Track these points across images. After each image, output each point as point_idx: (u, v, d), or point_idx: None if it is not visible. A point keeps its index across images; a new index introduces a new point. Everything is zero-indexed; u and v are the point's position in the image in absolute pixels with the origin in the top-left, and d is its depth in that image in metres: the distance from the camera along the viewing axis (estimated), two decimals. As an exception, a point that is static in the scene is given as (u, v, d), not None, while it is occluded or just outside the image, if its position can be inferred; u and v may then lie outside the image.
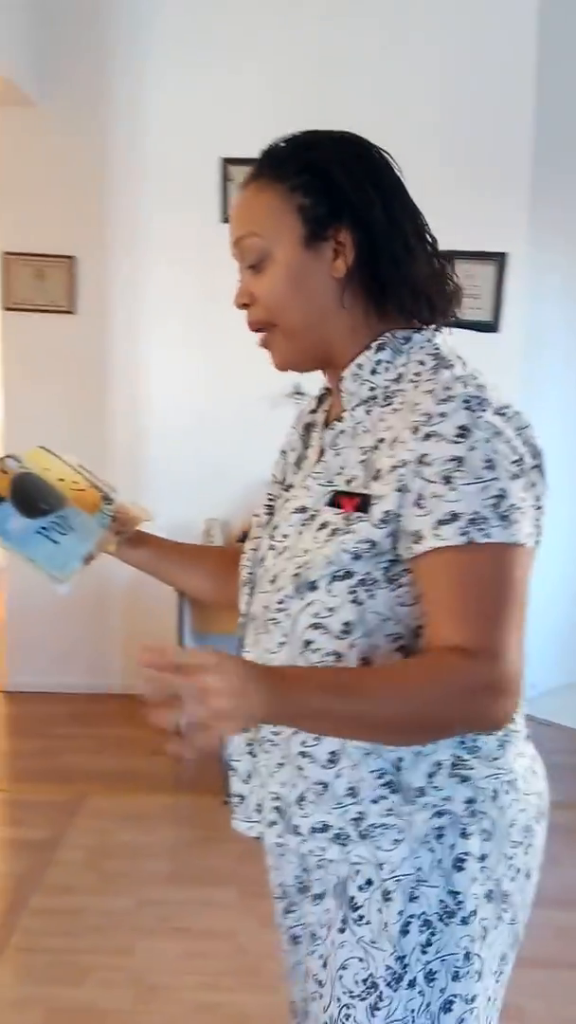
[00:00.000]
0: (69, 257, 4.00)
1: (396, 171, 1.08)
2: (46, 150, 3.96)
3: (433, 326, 1.08)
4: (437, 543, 0.92)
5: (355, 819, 1.02)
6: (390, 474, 0.96)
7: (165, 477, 4.07)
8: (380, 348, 1.05)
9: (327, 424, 1.12)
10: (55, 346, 4.09)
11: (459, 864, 1.02)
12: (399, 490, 0.95)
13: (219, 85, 3.87)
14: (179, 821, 3.04)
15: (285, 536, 1.06)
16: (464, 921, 1.02)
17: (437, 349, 1.05)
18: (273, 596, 1.04)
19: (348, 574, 0.97)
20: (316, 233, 1.03)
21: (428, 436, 0.94)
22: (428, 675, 0.91)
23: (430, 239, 1.09)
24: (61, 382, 4.10)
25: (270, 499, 1.17)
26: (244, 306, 1.08)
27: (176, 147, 3.87)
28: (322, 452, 1.08)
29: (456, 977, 1.02)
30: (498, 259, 4.01)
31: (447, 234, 4.24)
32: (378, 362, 1.05)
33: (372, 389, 1.05)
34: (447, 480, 0.92)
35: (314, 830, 1.04)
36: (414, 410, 0.96)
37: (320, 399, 1.19)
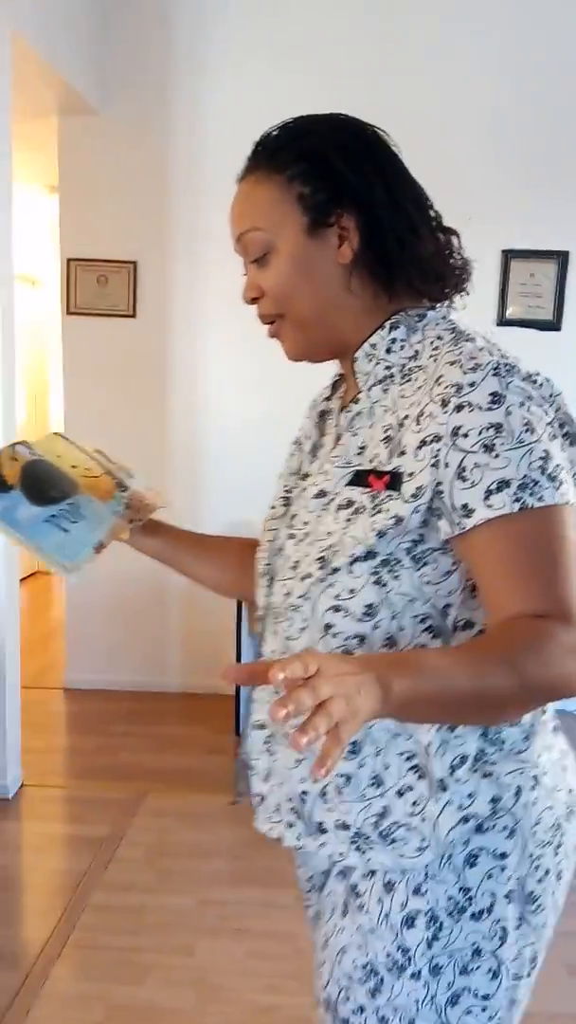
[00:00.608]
0: (131, 262, 4.05)
1: (394, 148, 1.06)
2: (108, 158, 4.02)
3: (446, 302, 1.07)
4: (491, 513, 0.88)
5: (377, 816, 0.99)
6: (421, 449, 0.92)
7: (223, 476, 4.10)
8: (394, 327, 1.03)
9: (343, 408, 1.10)
10: (116, 349, 4.14)
11: (472, 860, 1.00)
12: (434, 465, 0.91)
13: (278, 90, 3.87)
14: (238, 821, 3.03)
15: (305, 523, 1.04)
16: (475, 917, 1.00)
17: (453, 324, 1.03)
18: (296, 583, 1.01)
19: (370, 555, 0.94)
20: (319, 221, 1.01)
21: (460, 407, 0.90)
22: (524, 645, 0.83)
23: (433, 214, 1.06)
24: (121, 384, 4.16)
25: (287, 490, 1.15)
26: (253, 300, 1.07)
27: (235, 153, 3.85)
28: (339, 437, 1.06)
29: (465, 971, 1.01)
30: (559, 257, 3.96)
31: (507, 233, 4.23)
32: (392, 340, 1.03)
33: (388, 368, 1.03)
34: (488, 448, 0.89)
35: (336, 827, 1.02)
36: (439, 382, 0.93)
37: (334, 386, 1.17)
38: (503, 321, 4.03)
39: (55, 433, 1.21)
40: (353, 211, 1.00)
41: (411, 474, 0.93)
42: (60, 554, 1.15)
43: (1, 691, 3.19)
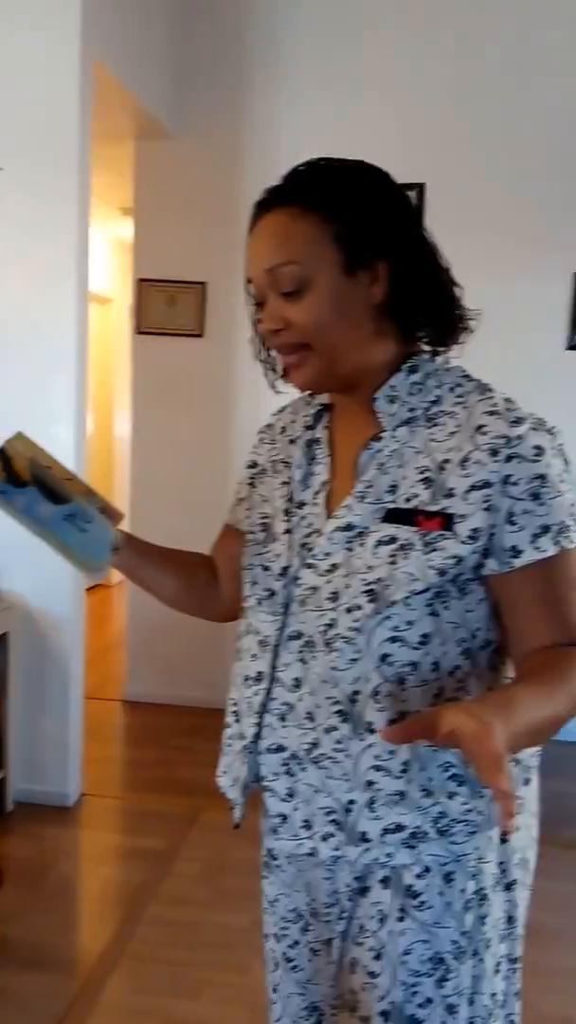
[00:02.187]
0: (200, 283, 4.12)
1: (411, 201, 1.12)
2: (181, 181, 4.11)
3: (443, 348, 1.12)
4: (537, 555, 1.01)
5: (436, 818, 1.06)
6: (471, 493, 1.00)
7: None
8: (412, 370, 1.09)
9: (332, 440, 1.16)
10: (183, 368, 4.22)
11: (504, 836, 1.12)
12: (486, 509, 1.00)
13: (350, 115, 3.93)
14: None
15: (327, 554, 1.08)
16: (507, 888, 1.13)
17: (464, 371, 1.12)
18: (341, 615, 1.04)
19: (427, 588, 1.01)
20: (354, 261, 1.04)
21: (510, 458, 1.00)
22: (572, 672, 0.99)
23: (446, 267, 1.11)
24: (187, 402, 4.23)
25: (264, 517, 1.19)
26: (275, 332, 1.08)
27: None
28: (355, 470, 1.10)
29: (500, 940, 1.12)
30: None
31: (575, 256, 4.12)
32: (413, 383, 1.09)
33: (411, 410, 1.08)
34: (535, 496, 1.00)
35: (386, 831, 1.06)
36: (482, 432, 1.02)
37: (317, 416, 1.20)
38: (572, 345, 4.00)
39: (20, 432, 1.17)
40: (385, 254, 1.05)
41: (463, 516, 1.01)
42: (84, 553, 1.16)
43: (65, 701, 3.25)
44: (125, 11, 3.41)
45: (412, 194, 3.74)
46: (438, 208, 3.74)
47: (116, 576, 6.69)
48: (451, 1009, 1.09)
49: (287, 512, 1.16)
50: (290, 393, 1.25)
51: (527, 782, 1.14)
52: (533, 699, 0.93)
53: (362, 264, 1.04)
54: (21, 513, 1.13)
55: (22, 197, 3.04)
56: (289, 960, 1.24)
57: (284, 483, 1.20)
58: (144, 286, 4.16)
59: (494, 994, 1.13)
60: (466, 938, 1.08)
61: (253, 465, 1.28)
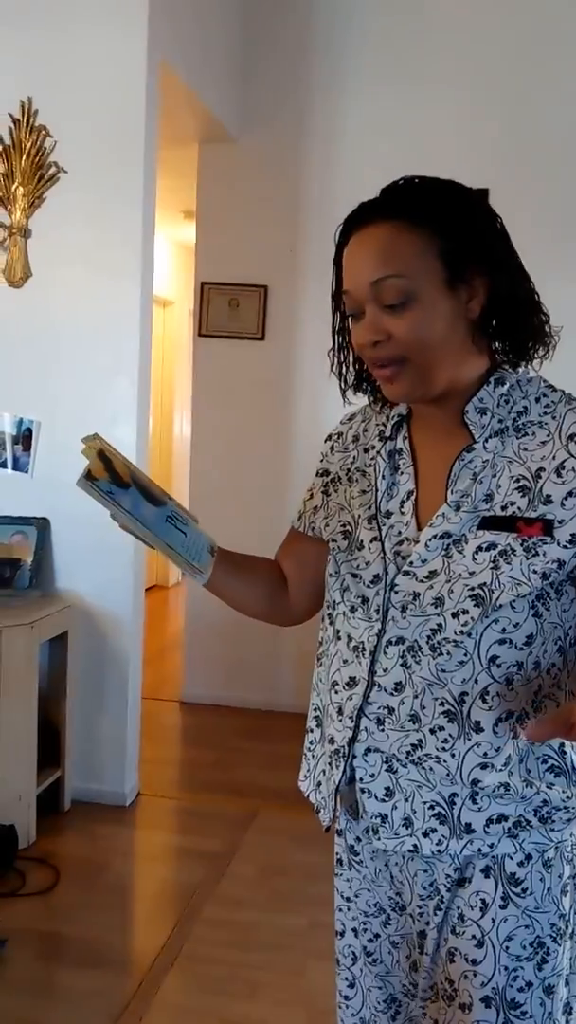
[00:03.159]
0: (262, 287, 4.14)
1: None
2: (243, 185, 4.13)
3: (525, 361, 1.16)
4: None
5: (539, 807, 1.10)
6: (569, 500, 1.05)
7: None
8: (499, 383, 1.13)
9: (412, 450, 1.19)
10: (244, 371, 4.23)
11: None
12: None
13: (412, 118, 3.91)
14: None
15: (423, 561, 1.11)
16: None
17: (546, 381, 1.15)
18: (448, 619, 1.08)
19: (531, 591, 1.06)
20: (456, 276, 1.07)
21: None
22: None
23: (532, 283, 1.14)
24: (248, 405, 4.24)
25: (344, 526, 1.21)
26: (376, 344, 1.09)
27: (366, 183, 3.90)
28: (446, 480, 1.13)
29: None
30: None
31: None
32: (500, 396, 1.12)
33: (501, 421, 1.11)
34: None
35: (490, 822, 1.10)
36: (575, 440, 1.06)
37: (396, 426, 1.22)
38: None
39: (96, 433, 1.13)
40: (483, 271, 1.08)
41: (562, 521, 1.05)
42: (189, 554, 1.14)
43: (123, 701, 3.28)
44: (189, 13, 3.44)
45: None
46: (501, 213, 3.68)
47: (174, 577, 6.74)
48: (549, 991, 1.13)
49: (371, 520, 1.19)
50: (357, 402, 1.27)
51: None
52: None
53: (463, 280, 1.07)
54: (129, 514, 1.09)
55: (87, 198, 3.08)
56: (369, 954, 1.28)
57: (363, 491, 1.22)
58: (206, 289, 4.18)
59: None
60: (563, 921, 1.13)
61: (325, 473, 1.30)
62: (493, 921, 1.12)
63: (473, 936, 1.13)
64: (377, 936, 1.27)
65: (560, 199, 3.86)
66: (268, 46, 4.05)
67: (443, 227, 1.06)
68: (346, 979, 1.33)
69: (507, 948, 1.12)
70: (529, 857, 1.12)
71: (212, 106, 3.69)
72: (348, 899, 1.30)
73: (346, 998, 1.34)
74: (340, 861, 1.31)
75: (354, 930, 1.30)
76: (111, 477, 1.08)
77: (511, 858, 1.12)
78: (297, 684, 4.27)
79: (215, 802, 3.38)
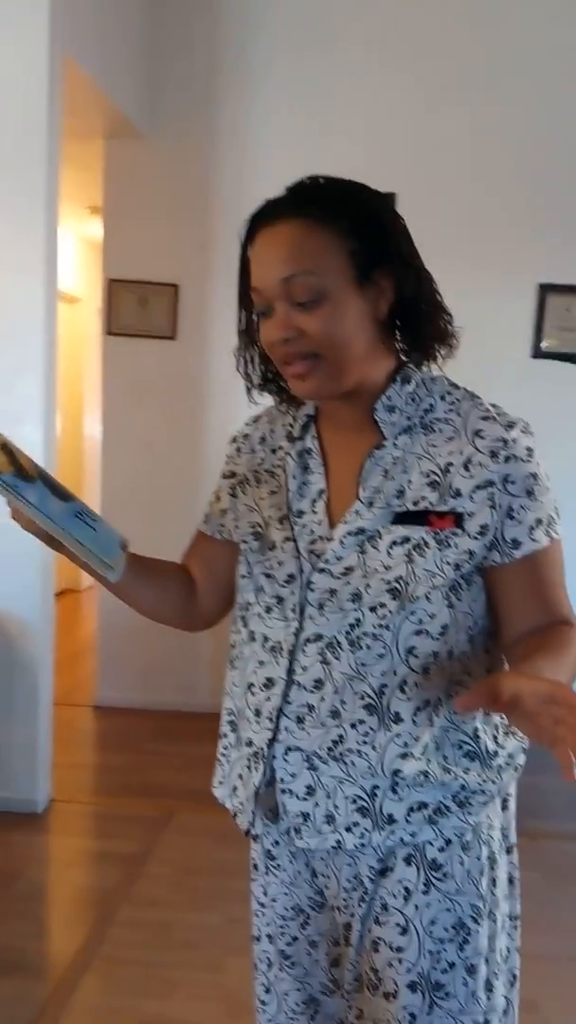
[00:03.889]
0: (172, 285, 4.11)
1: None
2: (152, 181, 4.09)
3: (429, 361, 1.19)
4: (534, 546, 1.11)
5: (456, 792, 1.13)
6: (477, 492, 1.08)
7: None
8: (405, 381, 1.15)
9: (322, 449, 1.20)
10: (155, 370, 4.20)
11: (505, 803, 1.23)
12: (491, 507, 1.08)
13: (320, 121, 3.95)
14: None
15: (340, 558, 1.12)
16: (509, 851, 1.23)
17: (449, 380, 1.19)
18: (366, 614, 1.10)
19: (445, 583, 1.10)
20: (364, 276, 1.08)
21: (508, 459, 1.09)
22: (572, 643, 1.09)
23: (436, 284, 1.17)
24: (159, 404, 4.21)
25: (254, 527, 1.21)
26: (286, 341, 1.10)
27: (279, 180, 3.93)
28: (356, 478, 1.14)
29: (505, 899, 1.22)
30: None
31: (545, 268, 4.23)
32: (408, 394, 1.15)
33: (409, 419, 1.14)
34: (530, 493, 1.10)
35: (411, 811, 1.12)
36: (480, 436, 1.10)
37: (305, 426, 1.23)
38: (538, 353, 4.05)
39: None
40: (390, 271, 1.10)
41: (471, 514, 1.09)
42: (99, 551, 1.10)
43: (34, 707, 3.22)
44: (94, 7, 3.40)
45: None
46: (407, 217, 3.75)
47: (86, 581, 6.65)
48: (472, 970, 1.16)
49: (282, 520, 1.19)
50: (264, 402, 1.27)
51: (517, 769, 1.22)
52: (550, 669, 1.01)
53: (370, 280, 1.09)
54: (34, 508, 1.05)
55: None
56: (287, 957, 1.28)
57: (272, 492, 1.22)
58: (114, 287, 4.14)
59: (501, 951, 1.21)
60: (482, 901, 1.17)
61: (232, 475, 1.30)
62: (416, 907, 1.15)
63: (397, 924, 1.15)
64: (295, 939, 1.27)
65: (462, 206, 3.94)
66: (178, 43, 4.02)
67: (352, 226, 1.08)
68: (262, 984, 1.33)
69: (431, 932, 1.15)
70: (449, 842, 1.15)
71: (118, 101, 3.66)
72: (263, 904, 1.30)
73: (263, 1003, 1.34)
74: (255, 866, 1.31)
75: (269, 936, 1.30)
76: (16, 471, 1.04)
77: (431, 844, 1.14)
78: (212, 684, 4.25)
79: (130, 805, 3.35)
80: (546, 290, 4.00)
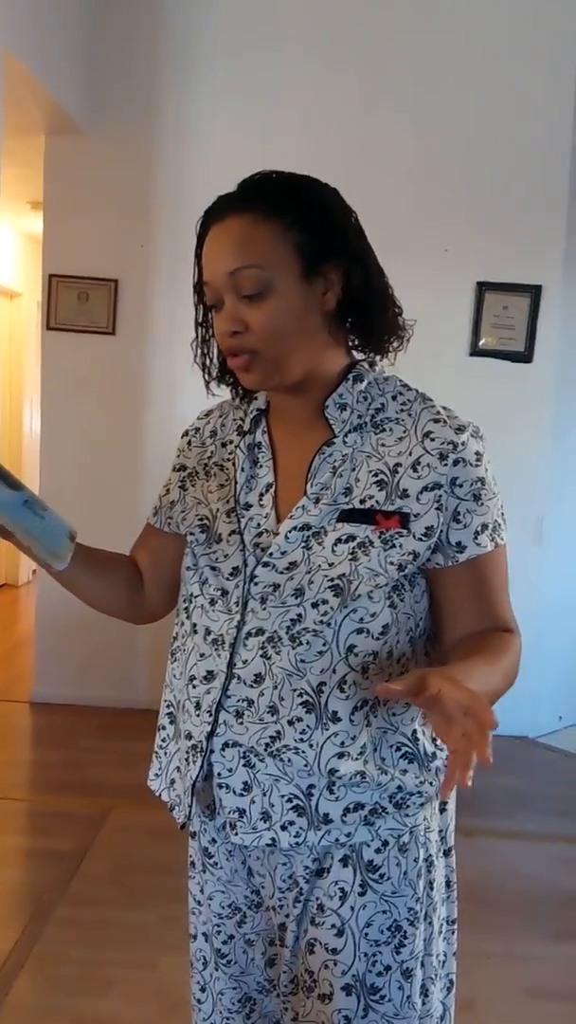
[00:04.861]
0: (112, 280, 4.09)
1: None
2: (93, 177, 4.07)
3: (379, 356, 1.20)
4: (478, 551, 1.12)
5: (393, 793, 1.13)
6: (423, 494, 1.09)
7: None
8: (357, 379, 1.16)
9: (272, 443, 1.21)
10: (94, 365, 4.18)
11: (444, 806, 1.22)
12: (437, 509, 1.09)
13: (264, 118, 3.96)
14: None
15: (284, 553, 1.13)
16: (446, 854, 1.24)
17: (401, 380, 1.19)
18: (308, 609, 1.10)
19: (388, 582, 1.10)
20: (311, 268, 1.10)
21: (456, 462, 1.10)
22: (510, 649, 1.12)
23: (387, 278, 1.18)
24: (99, 399, 4.19)
25: (202, 519, 1.21)
26: (235, 334, 1.11)
27: (219, 176, 3.93)
28: (305, 473, 1.15)
29: (442, 903, 1.22)
30: (533, 291, 4.06)
31: (483, 266, 4.33)
32: (359, 392, 1.16)
33: (360, 417, 1.15)
34: (477, 497, 1.11)
35: (347, 811, 1.12)
36: (430, 438, 1.11)
37: (255, 420, 1.24)
38: (476, 351, 4.11)
39: None
40: (338, 264, 1.11)
41: (417, 515, 1.10)
42: (47, 540, 1.11)
43: (-31, 703, 3.18)
44: (37, 3, 3.36)
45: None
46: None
47: (24, 576, 6.58)
48: (407, 974, 1.16)
49: (230, 513, 1.19)
50: (221, 395, 1.29)
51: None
52: (484, 673, 1.03)
53: (317, 272, 1.10)
54: None
55: None
56: (223, 956, 1.28)
57: (221, 485, 1.22)
58: (54, 282, 4.10)
59: (438, 955, 1.21)
60: (419, 904, 1.16)
61: (182, 468, 1.30)
62: (352, 909, 1.14)
63: (333, 925, 1.15)
64: (231, 937, 1.27)
65: (402, 204, 3.99)
66: (119, 40, 4.00)
67: (298, 219, 1.09)
68: (198, 983, 1.33)
69: (366, 934, 1.14)
70: (385, 843, 1.14)
71: (58, 96, 3.62)
72: (200, 902, 1.30)
73: (199, 1001, 1.34)
74: (193, 864, 1.31)
75: (205, 934, 1.30)
76: None
77: (368, 845, 1.14)
78: (150, 680, 4.25)
79: (66, 802, 3.33)
80: (484, 288, 4.07)
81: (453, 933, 1.26)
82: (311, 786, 1.11)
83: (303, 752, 1.11)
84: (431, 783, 1.15)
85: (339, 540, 1.10)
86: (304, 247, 1.09)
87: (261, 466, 1.20)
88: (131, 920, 2.58)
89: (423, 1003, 1.19)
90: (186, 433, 1.34)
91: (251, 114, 3.97)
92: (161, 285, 4.07)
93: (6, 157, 3.26)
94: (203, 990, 1.33)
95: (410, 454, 1.11)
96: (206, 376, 1.24)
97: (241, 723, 1.13)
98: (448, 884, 1.25)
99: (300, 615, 1.10)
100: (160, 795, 1.27)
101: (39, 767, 3.80)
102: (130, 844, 3.02)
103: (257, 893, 1.24)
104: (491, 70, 3.99)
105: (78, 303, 4.10)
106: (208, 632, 1.17)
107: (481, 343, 4.12)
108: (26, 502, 1.10)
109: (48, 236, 4.13)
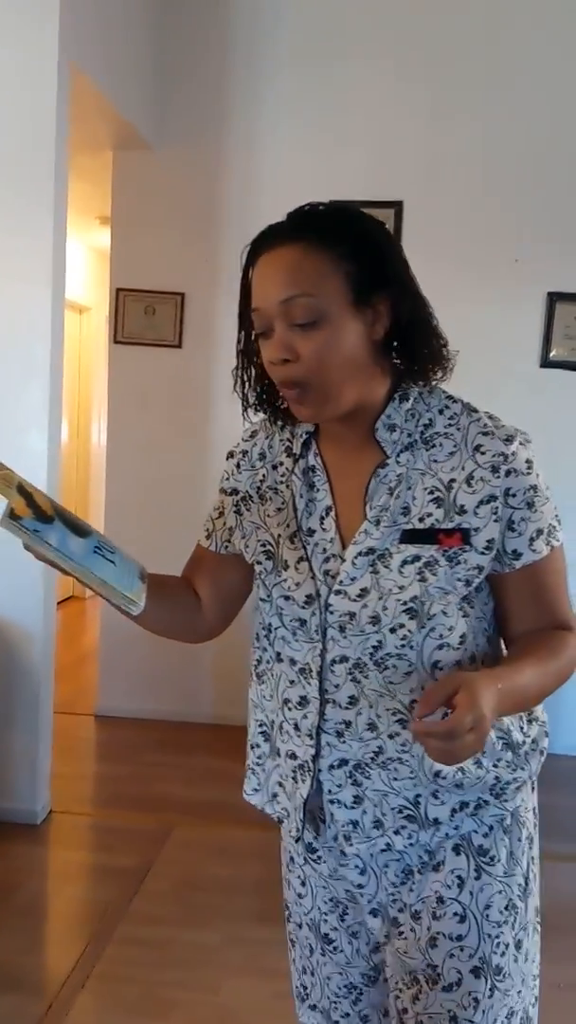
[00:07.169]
0: (179, 294, 4.10)
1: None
2: (160, 192, 4.10)
3: (424, 382, 1.19)
4: (535, 556, 1.14)
5: (492, 785, 1.17)
6: (481, 507, 1.11)
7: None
8: (403, 399, 1.17)
9: (325, 467, 1.21)
10: (161, 378, 4.19)
11: (534, 784, 1.27)
12: (495, 521, 1.11)
13: (329, 132, 3.94)
14: (267, 857, 2.95)
15: (352, 579, 1.14)
16: (537, 828, 1.28)
17: (446, 392, 1.20)
18: (387, 635, 1.12)
19: (457, 597, 1.12)
20: (362, 299, 1.10)
21: (508, 473, 1.11)
22: (565, 648, 1.15)
23: (432, 309, 1.18)
24: (165, 413, 4.21)
25: (265, 546, 1.22)
26: (285, 362, 1.11)
27: (284, 192, 3.95)
28: (363, 496, 1.16)
29: (536, 877, 1.27)
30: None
31: (554, 276, 4.21)
32: (406, 411, 1.16)
33: (409, 436, 1.16)
34: (530, 505, 1.13)
35: (453, 812, 1.17)
36: (481, 451, 1.12)
37: (306, 443, 1.23)
38: (547, 363, 4.02)
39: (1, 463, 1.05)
40: (387, 295, 1.11)
41: (477, 529, 1.11)
42: (121, 585, 1.07)
43: (34, 716, 3.19)
44: (105, 20, 3.39)
45: (390, 212, 3.75)
46: (415, 226, 3.78)
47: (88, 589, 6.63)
48: (519, 945, 1.21)
49: (293, 538, 1.20)
50: (256, 420, 1.28)
51: (542, 752, 1.25)
52: (532, 675, 1.09)
53: (367, 303, 1.10)
54: (57, 551, 1.01)
55: (-2, 203, 3.00)
56: (330, 942, 1.32)
57: (279, 509, 1.23)
58: (122, 295, 4.13)
59: (533, 919, 1.26)
60: (525, 879, 1.22)
61: (234, 492, 1.30)
62: (471, 894, 1.18)
63: (455, 914, 1.18)
64: (336, 928, 1.31)
65: (471, 214, 3.93)
66: (187, 57, 4.02)
67: (349, 250, 1.09)
68: (304, 968, 1.37)
69: (487, 916, 1.18)
70: (491, 828, 1.19)
71: (125, 112, 3.65)
72: (302, 895, 1.33)
73: (304, 987, 1.38)
74: (292, 859, 1.35)
75: (310, 924, 1.33)
76: (34, 513, 1.01)
77: (476, 832, 1.19)
78: (214, 695, 4.23)
79: (129, 818, 3.32)
80: (555, 299, 3.99)
81: (538, 905, 1.31)
82: (418, 796, 1.16)
83: (407, 761, 1.15)
84: (523, 767, 1.20)
85: (405, 562, 1.12)
86: (354, 277, 1.09)
87: (318, 490, 1.21)
88: (193, 940, 2.54)
89: (528, 966, 1.24)
90: (232, 455, 1.34)
91: (317, 127, 3.95)
92: (226, 298, 4.05)
93: (75, 172, 3.29)
94: (311, 975, 1.36)
95: (463, 469, 1.12)
96: (244, 403, 1.25)
97: (343, 741, 1.17)
98: (534, 860, 1.28)
99: (380, 642, 1.12)
100: (263, 808, 1.32)
101: (103, 781, 3.79)
102: (193, 862, 2.99)
103: (360, 887, 1.25)
104: (562, 77, 3.90)
105: (145, 317, 4.12)
106: (294, 662, 1.20)
107: (552, 354, 4.02)
108: (96, 548, 1.08)
109: (116, 250, 4.17)
